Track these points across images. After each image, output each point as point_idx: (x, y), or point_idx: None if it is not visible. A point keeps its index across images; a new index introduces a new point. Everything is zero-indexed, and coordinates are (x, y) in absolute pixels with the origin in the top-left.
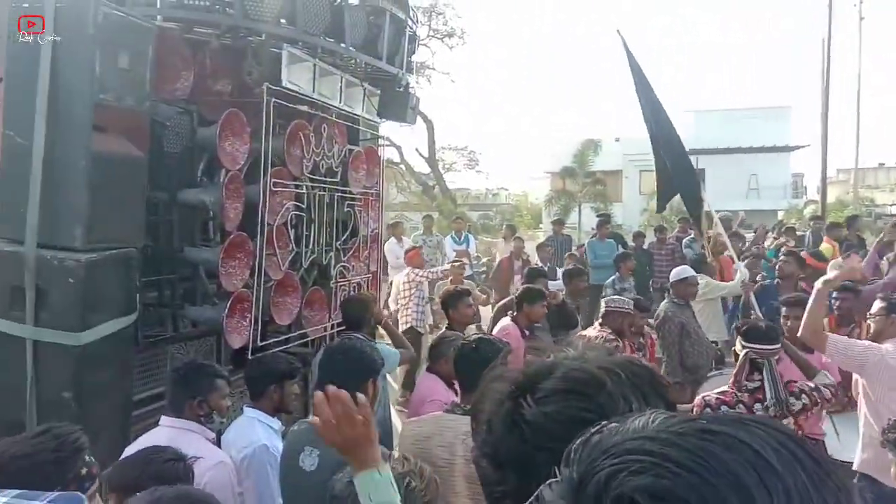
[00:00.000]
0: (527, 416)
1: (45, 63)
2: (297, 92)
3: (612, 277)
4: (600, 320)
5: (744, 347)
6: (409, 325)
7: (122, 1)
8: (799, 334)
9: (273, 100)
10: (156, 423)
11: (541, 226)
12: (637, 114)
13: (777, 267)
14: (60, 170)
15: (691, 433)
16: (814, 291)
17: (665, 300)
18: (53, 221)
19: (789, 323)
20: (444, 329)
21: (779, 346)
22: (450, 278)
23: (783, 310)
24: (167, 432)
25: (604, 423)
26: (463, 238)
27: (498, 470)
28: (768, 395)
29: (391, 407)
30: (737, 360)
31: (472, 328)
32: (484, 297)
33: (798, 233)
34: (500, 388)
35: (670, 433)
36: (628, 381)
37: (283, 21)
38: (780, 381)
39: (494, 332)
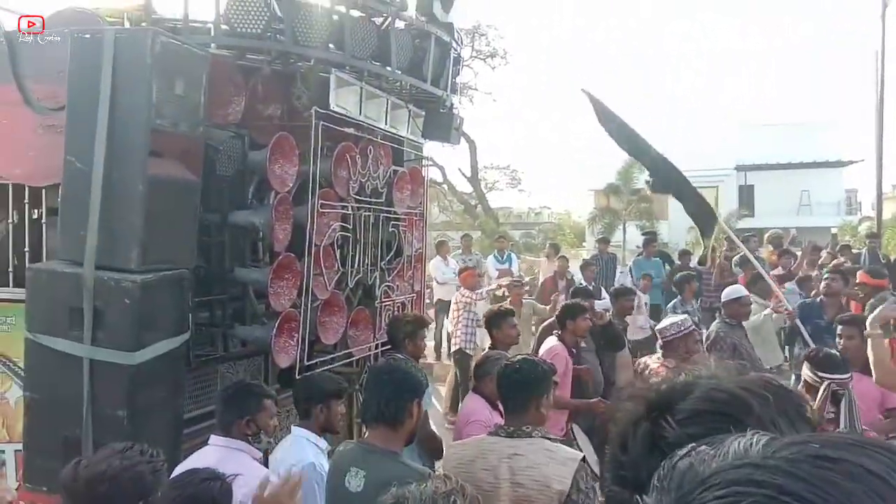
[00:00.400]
0: (669, 438)
1: (104, 91)
2: (344, 115)
3: (675, 301)
4: (660, 351)
5: (821, 378)
6: (457, 347)
7: (178, 30)
8: (874, 380)
9: (321, 123)
10: (206, 442)
11: (584, 244)
12: (683, 130)
13: (823, 284)
14: (118, 194)
15: (805, 460)
16: (868, 341)
17: (716, 320)
18: (111, 243)
19: (842, 342)
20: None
21: (851, 374)
22: (509, 298)
23: (838, 328)
24: (215, 451)
25: (692, 445)
26: (506, 257)
27: (637, 494)
28: (842, 426)
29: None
30: (807, 386)
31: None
32: (548, 306)
33: (854, 251)
34: (633, 407)
35: (780, 460)
36: (774, 403)
37: (331, 46)
38: (858, 414)
39: (541, 353)
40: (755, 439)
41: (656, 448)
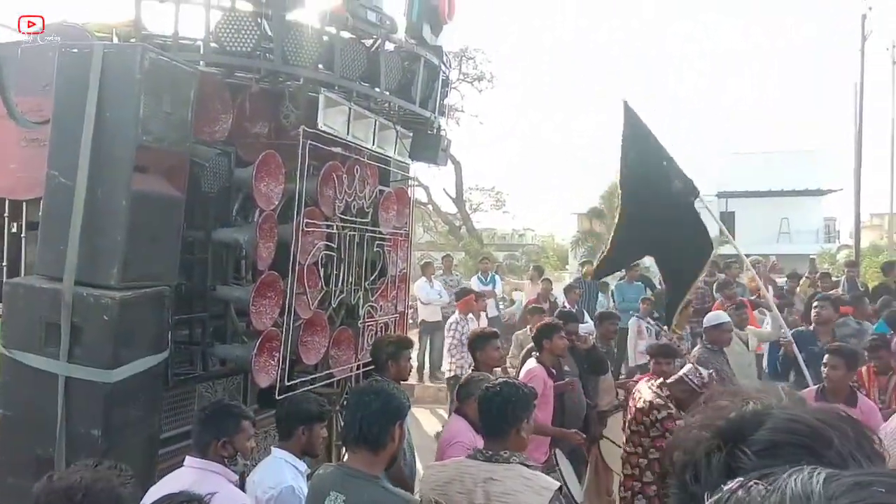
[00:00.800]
0: (747, 468)
1: (90, 106)
2: (332, 134)
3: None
4: (667, 380)
5: None
6: (452, 373)
7: (168, 47)
8: None
9: (308, 142)
10: (181, 463)
11: (567, 267)
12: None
13: (814, 312)
14: (101, 209)
15: None
16: None
17: (698, 346)
18: (91, 259)
19: (826, 371)
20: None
21: None
22: (530, 325)
23: (825, 357)
24: (191, 473)
25: (741, 479)
26: (489, 279)
27: None
28: None
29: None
30: None
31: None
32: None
33: (833, 278)
34: (702, 437)
35: None
36: (853, 437)
37: (320, 66)
38: None
39: (521, 376)
40: (814, 477)
41: (733, 479)
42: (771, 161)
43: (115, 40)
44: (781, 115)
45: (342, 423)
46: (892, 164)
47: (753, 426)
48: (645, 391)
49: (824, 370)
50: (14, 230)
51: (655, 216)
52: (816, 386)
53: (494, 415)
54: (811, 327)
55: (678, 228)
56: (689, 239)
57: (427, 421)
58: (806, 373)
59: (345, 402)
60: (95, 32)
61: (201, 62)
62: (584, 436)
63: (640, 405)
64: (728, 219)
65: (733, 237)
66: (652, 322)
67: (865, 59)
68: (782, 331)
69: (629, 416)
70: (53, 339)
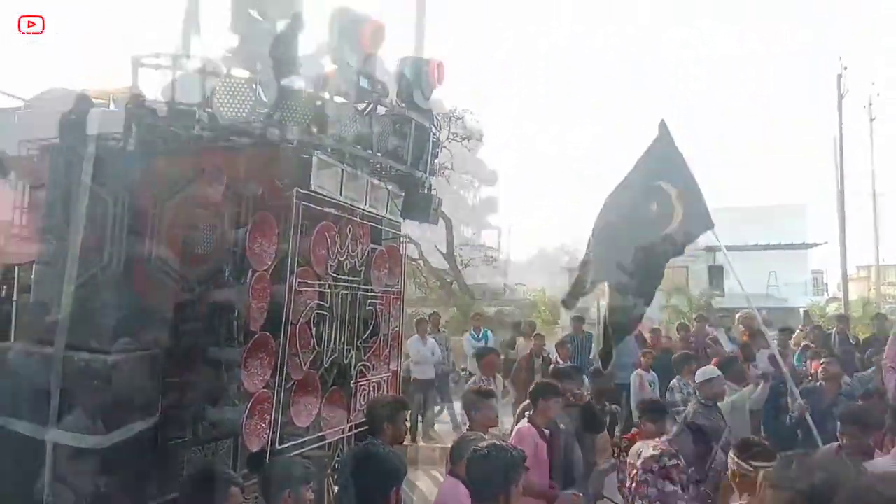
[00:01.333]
0: None
1: (87, 170)
2: (324, 195)
3: (676, 380)
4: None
5: (755, 468)
6: None
7: (164, 112)
8: None
9: (302, 203)
10: None
11: (559, 321)
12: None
13: (821, 369)
14: (94, 273)
15: None
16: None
17: (692, 402)
18: (83, 323)
19: (846, 441)
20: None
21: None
22: None
23: (839, 426)
24: None
25: None
26: (482, 335)
27: None
28: None
29: None
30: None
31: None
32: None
33: (825, 331)
34: (785, 499)
35: None
36: None
37: (314, 129)
38: None
39: (511, 437)
40: None
41: None
42: (756, 215)
43: (113, 106)
44: (764, 171)
45: (335, 488)
46: (875, 217)
47: (828, 494)
48: (646, 448)
49: (841, 439)
50: (4, 293)
51: (623, 240)
52: (836, 444)
53: (482, 479)
54: (819, 384)
55: (636, 262)
56: (642, 272)
57: (422, 483)
58: (815, 433)
59: (337, 466)
60: (94, 98)
61: (197, 127)
62: (581, 495)
63: (651, 452)
64: (717, 272)
65: (723, 291)
66: (655, 375)
67: (847, 113)
68: (797, 400)
69: (633, 471)
70: (42, 404)
